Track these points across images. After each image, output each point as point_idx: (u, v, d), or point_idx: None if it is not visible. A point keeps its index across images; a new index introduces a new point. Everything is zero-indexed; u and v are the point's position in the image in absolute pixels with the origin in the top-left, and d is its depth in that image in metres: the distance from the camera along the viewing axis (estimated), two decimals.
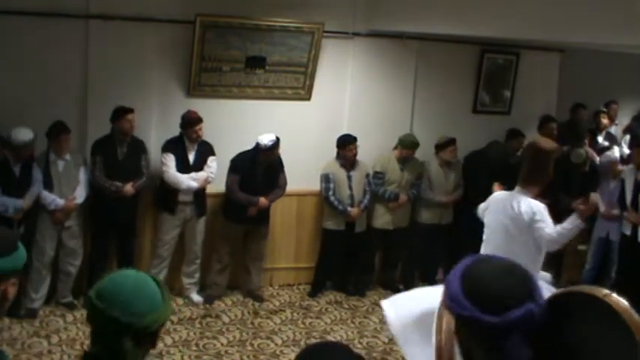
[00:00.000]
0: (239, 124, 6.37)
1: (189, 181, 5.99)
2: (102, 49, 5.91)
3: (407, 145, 6.62)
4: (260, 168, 6.17)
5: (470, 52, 7.21)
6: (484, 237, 4.50)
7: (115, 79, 5.98)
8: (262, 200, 6.15)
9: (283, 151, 6.48)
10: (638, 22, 4.67)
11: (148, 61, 6.07)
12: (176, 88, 6.23)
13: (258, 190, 6.15)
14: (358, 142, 6.51)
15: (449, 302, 1.58)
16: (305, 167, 6.56)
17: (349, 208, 6.46)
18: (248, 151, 6.16)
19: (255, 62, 6.30)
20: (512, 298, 1.51)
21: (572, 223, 4.25)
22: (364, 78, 6.82)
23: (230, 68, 6.25)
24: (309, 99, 6.64)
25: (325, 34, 6.37)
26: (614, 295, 1.56)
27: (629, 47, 6.21)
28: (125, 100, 5.95)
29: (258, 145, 6.07)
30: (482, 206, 4.65)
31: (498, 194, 4.54)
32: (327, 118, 6.69)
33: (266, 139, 6.04)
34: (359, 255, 6.74)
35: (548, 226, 4.23)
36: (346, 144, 6.44)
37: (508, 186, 4.65)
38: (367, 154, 6.66)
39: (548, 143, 4.56)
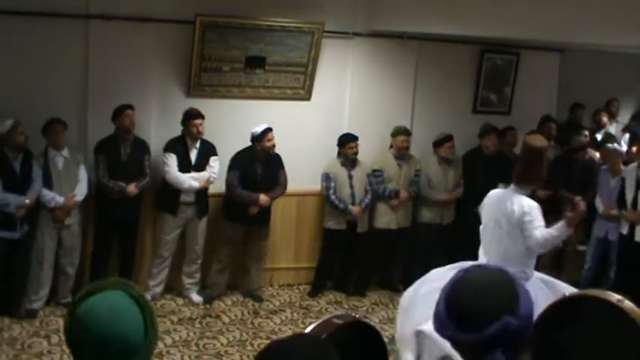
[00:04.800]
0: (239, 124, 6.36)
1: (190, 180, 5.98)
2: (102, 49, 5.91)
3: (399, 133, 6.59)
4: (259, 164, 6.16)
5: (470, 52, 7.21)
6: (480, 233, 4.51)
7: (115, 79, 5.98)
8: (263, 197, 6.12)
9: (283, 151, 6.48)
10: (638, 22, 4.67)
11: (147, 61, 6.08)
12: (176, 88, 6.23)
13: (258, 188, 6.14)
14: (358, 142, 6.50)
15: (435, 323, 1.57)
16: (305, 167, 6.55)
17: (350, 207, 6.46)
18: (247, 147, 6.17)
19: (255, 62, 6.30)
20: (487, 315, 1.49)
21: (559, 230, 4.19)
22: (364, 78, 6.82)
23: (230, 68, 6.24)
24: (309, 99, 6.64)
25: (325, 34, 6.37)
26: (627, 301, 1.54)
27: (629, 47, 6.21)
28: (125, 100, 5.95)
29: (252, 136, 6.09)
30: (482, 204, 4.65)
31: (495, 192, 4.53)
32: (327, 118, 6.69)
33: (257, 127, 6.07)
34: (360, 255, 6.73)
35: (538, 228, 4.19)
36: (346, 142, 6.44)
37: (507, 181, 4.66)
38: (367, 154, 6.65)
39: (539, 141, 4.55)
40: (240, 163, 6.13)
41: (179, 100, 6.19)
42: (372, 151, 6.72)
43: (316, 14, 6.36)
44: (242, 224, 6.21)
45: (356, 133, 6.58)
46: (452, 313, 1.53)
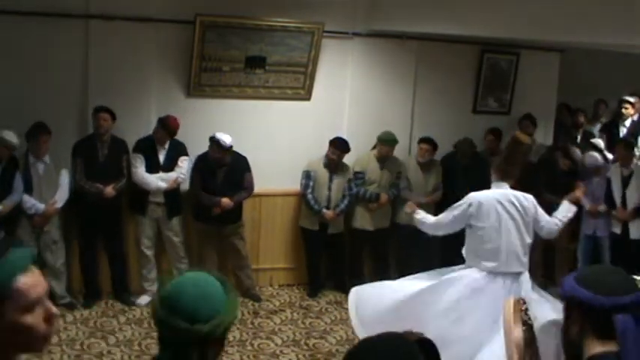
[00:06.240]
0: (239, 124, 6.36)
1: (157, 181, 5.93)
2: (102, 49, 5.91)
3: (386, 142, 6.54)
4: (221, 168, 6.07)
5: (470, 52, 7.21)
6: (480, 237, 4.59)
7: (115, 79, 5.98)
8: (224, 201, 6.01)
9: (283, 151, 6.49)
10: (638, 22, 4.68)
11: (147, 61, 6.08)
12: (176, 88, 6.23)
13: (219, 191, 6.03)
14: (357, 143, 6.51)
15: (563, 292, 1.89)
16: (304, 167, 6.55)
17: (324, 210, 6.42)
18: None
19: (255, 62, 6.30)
20: (623, 287, 1.82)
21: (567, 211, 4.77)
22: (364, 78, 6.82)
23: (230, 68, 6.24)
24: (309, 99, 6.64)
25: (325, 34, 6.37)
26: None
27: (629, 47, 6.22)
28: (125, 100, 5.96)
29: (217, 142, 5.89)
30: (465, 210, 4.65)
31: (481, 195, 4.64)
32: (327, 118, 6.69)
33: (227, 139, 5.93)
34: (339, 256, 6.72)
35: (546, 216, 4.70)
36: (331, 144, 6.38)
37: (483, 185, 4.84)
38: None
39: (523, 137, 5.00)
40: (202, 165, 6.06)
41: (179, 100, 6.19)
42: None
43: (316, 14, 6.36)
44: (209, 224, 6.14)
45: (355, 133, 6.58)
46: (584, 283, 1.84)
